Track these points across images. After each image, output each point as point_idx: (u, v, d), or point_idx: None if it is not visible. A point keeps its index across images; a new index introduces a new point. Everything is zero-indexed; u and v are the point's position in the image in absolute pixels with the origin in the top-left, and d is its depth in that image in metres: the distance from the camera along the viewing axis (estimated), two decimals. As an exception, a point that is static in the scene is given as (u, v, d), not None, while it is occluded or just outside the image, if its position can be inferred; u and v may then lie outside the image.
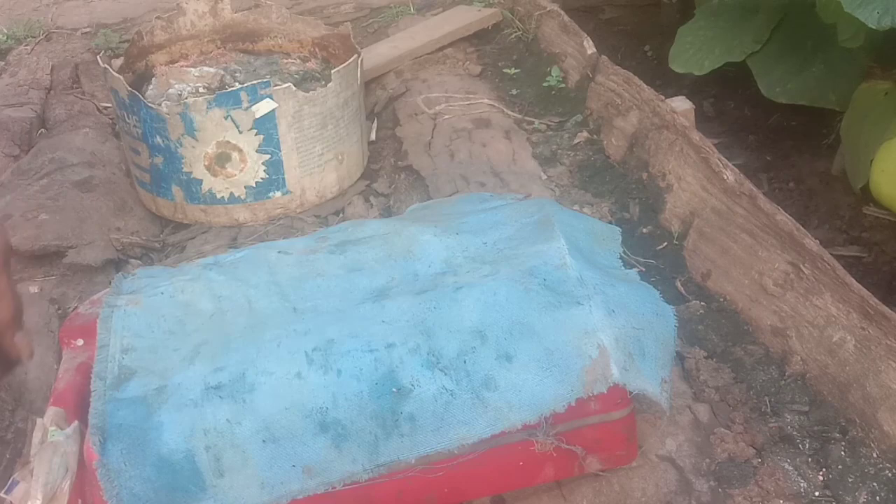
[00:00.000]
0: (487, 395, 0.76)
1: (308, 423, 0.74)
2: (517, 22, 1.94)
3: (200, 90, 1.53)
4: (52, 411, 0.77)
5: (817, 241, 0.99)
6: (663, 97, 1.38)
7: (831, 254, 0.98)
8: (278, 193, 1.42)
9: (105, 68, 1.40)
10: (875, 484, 0.84)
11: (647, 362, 0.80)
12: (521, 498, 0.86)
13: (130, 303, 0.86)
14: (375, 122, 1.69)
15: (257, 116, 1.33)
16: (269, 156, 1.38)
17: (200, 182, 1.33)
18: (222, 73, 1.60)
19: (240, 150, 1.36)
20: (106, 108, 1.78)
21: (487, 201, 1.09)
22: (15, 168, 1.50)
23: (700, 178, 1.20)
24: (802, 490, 0.85)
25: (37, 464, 0.72)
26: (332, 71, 1.42)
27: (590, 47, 1.62)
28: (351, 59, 1.46)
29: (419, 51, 1.89)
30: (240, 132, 1.35)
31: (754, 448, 0.90)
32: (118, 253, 1.31)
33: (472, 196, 1.16)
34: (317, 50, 1.70)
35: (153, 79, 1.58)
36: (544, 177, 1.41)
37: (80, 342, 0.87)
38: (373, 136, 1.47)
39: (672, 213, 1.25)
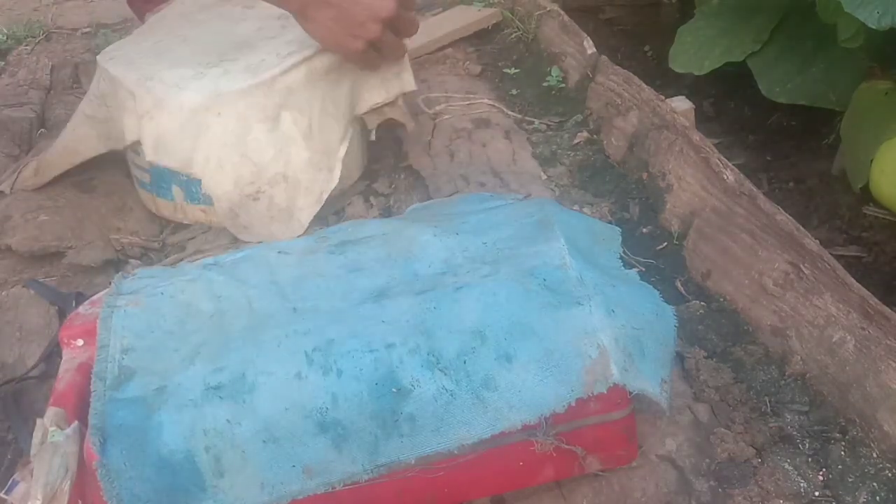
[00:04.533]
0: (487, 395, 0.76)
1: (308, 424, 0.74)
2: (517, 22, 1.94)
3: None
4: (52, 411, 0.78)
5: (817, 241, 0.99)
6: (663, 97, 1.38)
7: (831, 254, 0.98)
8: (278, 193, 1.42)
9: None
10: (875, 484, 0.84)
11: (647, 362, 0.80)
12: (521, 498, 0.86)
13: (130, 303, 0.86)
14: (376, 122, 1.69)
15: None
16: (269, 155, 1.38)
17: (200, 182, 1.33)
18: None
19: (240, 150, 1.36)
20: (106, 108, 1.78)
21: (487, 201, 1.09)
22: (15, 167, 1.50)
23: (700, 178, 1.21)
24: (802, 490, 0.85)
25: (37, 464, 0.72)
26: (333, 71, 1.42)
27: (590, 47, 1.62)
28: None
29: (419, 51, 1.89)
30: (240, 132, 1.35)
31: (754, 448, 0.90)
32: (118, 253, 1.31)
33: (472, 196, 1.16)
34: (317, 50, 1.70)
35: (153, 79, 1.59)
36: (544, 177, 1.41)
37: (80, 342, 0.87)
38: (373, 137, 1.47)
39: (672, 213, 1.25)
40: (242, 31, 1.41)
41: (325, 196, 1.32)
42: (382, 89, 1.37)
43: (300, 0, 1.17)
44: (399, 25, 1.21)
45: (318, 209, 1.31)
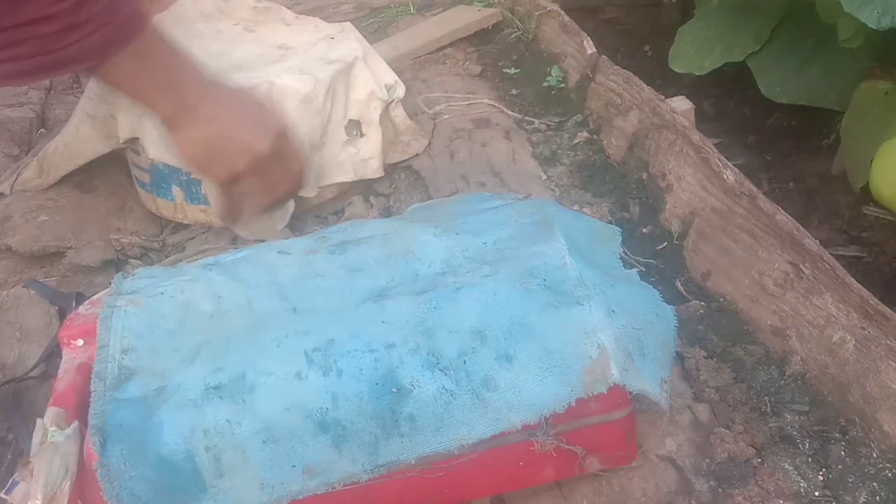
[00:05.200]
0: (487, 395, 0.76)
1: (308, 424, 0.74)
2: (517, 22, 1.94)
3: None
4: (52, 411, 0.78)
5: (817, 241, 0.99)
6: (663, 97, 1.38)
7: (831, 254, 0.98)
8: (278, 193, 1.42)
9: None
10: (875, 484, 0.84)
11: (647, 362, 0.80)
12: (521, 498, 0.86)
13: (130, 303, 0.86)
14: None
15: None
16: (269, 156, 1.38)
17: (200, 182, 1.33)
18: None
19: (240, 150, 1.37)
20: (106, 108, 1.78)
21: (487, 201, 1.09)
22: (14, 168, 1.50)
23: (700, 178, 1.21)
24: (802, 490, 0.85)
25: (37, 464, 0.72)
26: (332, 71, 1.42)
27: (590, 47, 1.62)
28: (351, 59, 1.46)
29: (419, 51, 1.89)
30: (240, 132, 1.35)
31: (754, 448, 0.90)
32: (118, 253, 1.31)
33: (472, 196, 1.16)
34: (317, 50, 1.70)
35: (153, 79, 1.59)
36: (544, 177, 1.41)
37: (80, 342, 0.87)
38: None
39: (672, 213, 1.25)
40: (240, 54, 1.41)
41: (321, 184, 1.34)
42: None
43: (174, 106, 0.90)
44: (268, 174, 0.98)
45: (313, 194, 1.33)
